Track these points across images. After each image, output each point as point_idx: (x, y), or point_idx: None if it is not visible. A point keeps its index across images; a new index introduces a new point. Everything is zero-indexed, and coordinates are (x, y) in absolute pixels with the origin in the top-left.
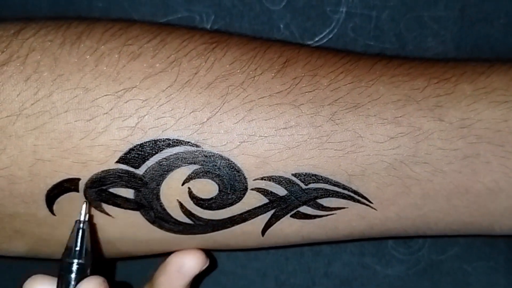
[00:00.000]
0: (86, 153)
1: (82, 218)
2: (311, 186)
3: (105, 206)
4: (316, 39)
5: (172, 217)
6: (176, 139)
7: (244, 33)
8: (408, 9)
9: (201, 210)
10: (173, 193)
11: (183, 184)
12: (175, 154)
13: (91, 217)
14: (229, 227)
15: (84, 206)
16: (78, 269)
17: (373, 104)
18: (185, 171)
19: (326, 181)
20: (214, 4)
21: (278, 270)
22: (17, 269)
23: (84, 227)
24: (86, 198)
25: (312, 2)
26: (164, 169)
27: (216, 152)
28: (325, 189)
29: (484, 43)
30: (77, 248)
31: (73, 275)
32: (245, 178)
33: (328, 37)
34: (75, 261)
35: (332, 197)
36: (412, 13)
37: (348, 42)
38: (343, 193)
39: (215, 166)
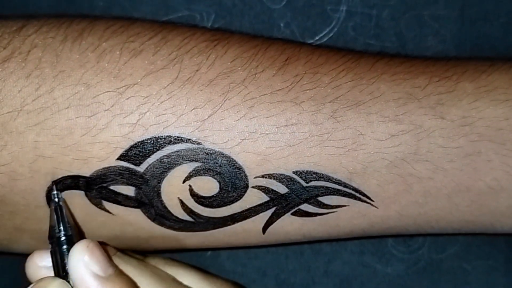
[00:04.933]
0: (87, 150)
1: (55, 196)
2: (312, 183)
3: (106, 204)
4: (317, 38)
5: (172, 215)
6: (177, 137)
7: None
8: (408, 8)
9: (202, 207)
10: (174, 190)
11: (184, 182)
12: (176, 151)
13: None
14: (229, 225)
15: (53, 185)
16: (67, 240)
17: (374, 102)
18: (186, 168)
19: (327, 178)
20: (215, 3)
21: (278, 269)
22: (17, 266)
23: (60, 203)
24: (86, 195)
25: (313, 1)
26: (165, 166)
27: (217, 149)
28: (326, 187)
29: (484, 42)
30: (61, 224)
31: (64, 247)
32: (246, 176)
33: (329, 36)
34: (62, 233)
35: (333, 195)
36: (412, 12)
37: (348, 41)
38: (344, 191)
39: (216, 163)
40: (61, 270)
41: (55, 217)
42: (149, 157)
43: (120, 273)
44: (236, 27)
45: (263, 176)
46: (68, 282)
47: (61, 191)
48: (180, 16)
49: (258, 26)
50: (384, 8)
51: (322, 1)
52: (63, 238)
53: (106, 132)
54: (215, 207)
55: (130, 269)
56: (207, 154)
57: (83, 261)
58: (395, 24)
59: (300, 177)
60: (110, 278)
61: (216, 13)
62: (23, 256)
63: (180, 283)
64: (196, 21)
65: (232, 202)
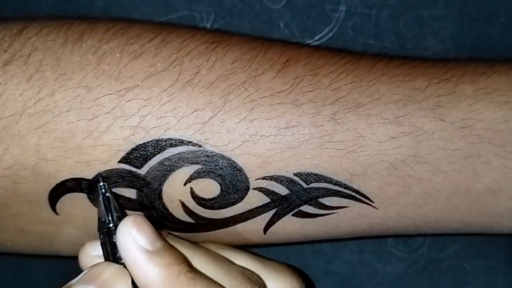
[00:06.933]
0: (89, 153)
1: (102, 188)
2: (313, 185)
3: None
4: (316, 38)
5: (174, 217)
6: (178, 139)
7: (244, 32)
8: (407, 8)
9: (203, 209)
10: (175, 192)
11: (185, 184)
12: (177, 153)
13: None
14: (231, 226)
15: (99, 177)
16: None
17: (374, 104)
18: (187, 170)
19: (328, 180)
20: (214, 3)
21: None
22: (17, 266)
23: (108, 194)
24: (88, 197)
25: (312, 1)
26: (166, 169)
27: (218, 152)
28: (327, 188)
29: (483, 42)
30: (109, 214)
31: (114, 237)
32: (247, 178)
33: (328, 36)
34: (111, 225)
35: (333, 196)
36: (412, 12)
37: (348, 41)
38: (345, 192)
39: (217, 165)
40: (112, 260)
41: (103, 208)
42: (150, 159)
43: (169, 247)
44: (235, 27)
45: (264, 178)
46: None
47: (64, 193)
48: (180, 16)
49: (258, 26)
50: (383, 8)
51: (322, 1)
52: (112, 228)
53: (108, 135)
54: (216, 209)
55: (182, 249)
56: (208, 156)
57: (131, 236)
58: (394, 24)
59: (300, 179)
60: (159, 252)
61: (216, 13)
62: (23, 257)
63: (233, 263)
64: (196, 21)
65: (233, 204)
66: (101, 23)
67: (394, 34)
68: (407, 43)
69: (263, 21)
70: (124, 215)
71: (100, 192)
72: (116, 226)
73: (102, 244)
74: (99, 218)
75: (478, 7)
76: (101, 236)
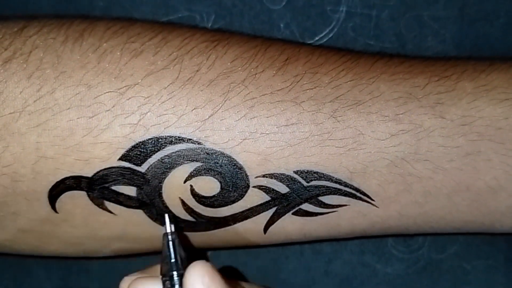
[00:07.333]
0: (89, 150)
1: (168, 230)
2: (313, 183)
3: (108, 204)
4: (316, 38)
5: (174, 215)
6: (178, 137)
7: (244, 33)
8: (407, 9)
9: (203, 207)
10: (175, 190)
11: (185, 182)
12: (177, 151)
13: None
14: (231, 225)
15: (167, 217)
16: (180, 279)
17: (374, 101)
18: (187, 168)
19: (328, 178)
20: (215, 4)
21: (278, 268)
22: (18, 266)
23: (174, 238)
24: (88, 195)
25: (312, 1)
26: (166, 166)
27: (218, 149)
28: (327, 186)
29: (483, 42)
30: (173, 260)
31: (177, 287)
32: (246, 176)
33: (328, 36)
34: (175, 273)
35: (333, 194)
36: (412, 13)
37: (348, 42)
38: (345, 190)
39: (217, 163)
40: None
41: (169, 253)
42: (150, 157)
43: None
44: (236, 27)
45: (264, 176)
46: None
47: (63, 191)
48: (180, 16)
49: (258, 26)
50: (383, 8)
51: (322, 1)
52: (176, 278)
53: (108, 133)
54: (216, 207)
55: None
56: (208, 153)
57: (203, 284)
58: (394, 25)
59: (300, 177)
60: None
61: (216, 14)
62: (23, 257)
63: None
64: (196, 21)
65: (233, 202)
66: (102, 21)
67: (395, 34)
68: (408, 43)
69: (263, 22)
70: (187, 259)
71: (167, 235)
72: (180, 275)
73: None
74: (163, 260)
75: (478, 7)
76: (166, 282)
